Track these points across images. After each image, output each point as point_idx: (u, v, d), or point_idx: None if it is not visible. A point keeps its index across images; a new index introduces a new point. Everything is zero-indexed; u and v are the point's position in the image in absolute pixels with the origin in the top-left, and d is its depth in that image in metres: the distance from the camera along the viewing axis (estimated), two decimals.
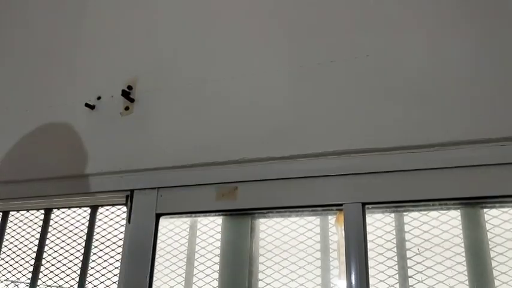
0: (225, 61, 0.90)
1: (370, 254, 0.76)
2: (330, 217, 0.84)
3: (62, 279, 0.99)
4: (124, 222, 0.94)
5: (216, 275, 0.88)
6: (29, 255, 1.05)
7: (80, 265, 0.98)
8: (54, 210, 1.06)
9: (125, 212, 0.96)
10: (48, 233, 1.04)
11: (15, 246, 1.07)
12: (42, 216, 1.06)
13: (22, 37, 1.14)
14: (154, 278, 0.87)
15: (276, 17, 0.88)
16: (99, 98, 0.97)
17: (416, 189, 0.73)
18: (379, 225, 0.80)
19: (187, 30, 0.96)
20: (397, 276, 0.77)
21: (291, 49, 0.85)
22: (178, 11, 0.98)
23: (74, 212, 1.07)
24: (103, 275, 0.96)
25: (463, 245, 0.75)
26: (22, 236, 1.07)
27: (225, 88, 0.88)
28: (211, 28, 0.93)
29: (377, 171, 0.75)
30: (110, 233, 0.99)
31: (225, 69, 0.89)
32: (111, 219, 0.99)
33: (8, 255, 1.06)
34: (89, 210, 1.04)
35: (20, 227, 1.08)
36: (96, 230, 0.99)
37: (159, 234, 0.90)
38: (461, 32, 0.75)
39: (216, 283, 0.88)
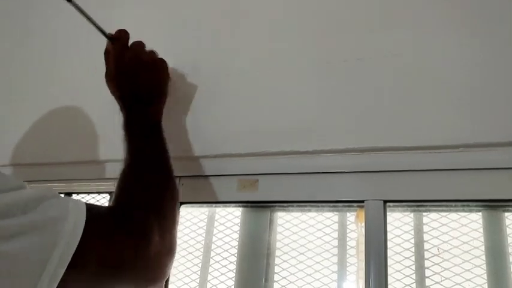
0: (251, 54, 0.90)
1: (388, 252, 0.76)
2: (348, 214, 0.85)
3: None
4: None
5: (233, 266, 0.89)
6: None
7: None
8: (74, 195, 1.07)
9: None
10: None
11: None
12: None
13: (52, 19, 1.16)
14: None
15: (304, 12, 0.89)
16: None
17: (439, 189, 0.73)
18: (398, 224, 0.81)
19: (215, 22, 0.97)
20: (414, 276, 0.77)
21: (318, 45, 0.85)
22: (206, 2, 0.99)
23: (93, 198, 1.08)
24: None
25: (483, 248, 0.75)
26: None
27: (250, 81, 0.89)
28: (238, 21, 0.94)
29: (400, 169, 0.75)
30: None
31: (251, 62, 0.90)
32: None
33: None
34: (107, 197, 1.06)
35: None
36: None
37: None
38: (492, 32, 0.75)
39: (232, 274, 0.88)
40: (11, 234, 0.46)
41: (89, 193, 1.07)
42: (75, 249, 0.50)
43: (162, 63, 0.84)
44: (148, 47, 0.85)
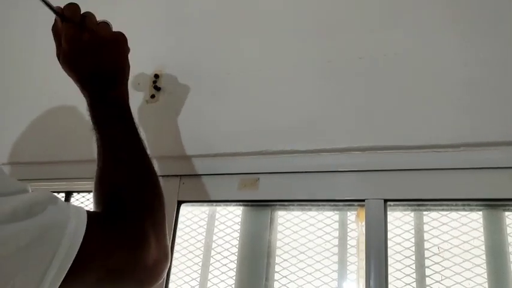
0: (252, 53, 0.91)
1: (388, 251, 0.76)
2: (349, 213, 0.85)
3: None
4: None
5: (234, 265, 0.89)
6: None
7: None
8: (75, 194, 1.07)
9: None
10: None
11: None
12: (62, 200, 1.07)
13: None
14: (172, 265, 0.88)
15: (305, 11, 0.89)
16: None
17: (439, 189, 0.73)
18: (398, 223, 0.81)
19: (215, 20, 0.97)
20: (414, 275, 0.77)
21: (319, 43, 0.86)
22: (207, 2, 0.99)
23: None
24: None
25: (483, 247, 0.75)
26: None
27: (251, 80, 0.89)
28: (239, 19, 0.94)
29: (401, 168, 0.75)
30: None
31: (252, 61, 0.90)
32: None
33: None
34: None
35: None
36: None
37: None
38: (492, 32, 0.75)
39: (232, 273, 0.88)
40: (16, 239, 0.46)
41: (89, 192, 1.07)
42: (75, 255, 0.49)
43: (120, 35, 0.75)
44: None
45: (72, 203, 0.58)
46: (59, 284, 0.49)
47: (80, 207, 0.55)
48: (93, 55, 0.71)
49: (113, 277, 0.56)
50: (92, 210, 0.61)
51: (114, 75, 0.73)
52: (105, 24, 0.73)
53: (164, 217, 0.66)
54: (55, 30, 0.73)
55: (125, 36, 0.75)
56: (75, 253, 0.49)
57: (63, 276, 0.49)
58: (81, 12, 0.70)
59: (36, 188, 0.53)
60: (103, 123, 0.70)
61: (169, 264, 0.64)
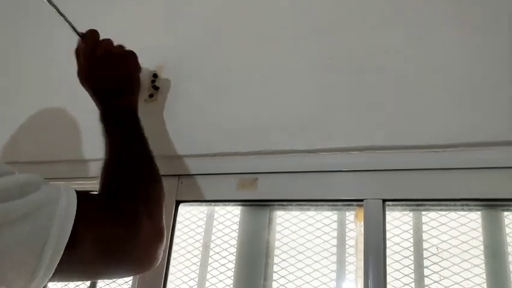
0: (252, 51, 0.90)
1: (387, 251, 0.76)
2: (347, 213, 0.85)
3: None
4: None
5: (232, 265, 0.89)
6: None
7: None
8: None
9: None
10: None
11: None
12: None
13: (48, 22, 1.16)
14: (170, 265, 0.88)
15: (306, 9, 0.89)
16: None
17: (438, 189, 0.73)
18: (397, 223, 0.81)
19: (213, 18, 0.97)
20: (413, 275, 0.77)
21: (319, 41, 0.85)
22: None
23: None
24: None
25: (482, 247, 0.75)
26: None
27: (251, 78, 0.89)
28: (239, 17, 0.94)
29: (399, 168, 0.75)
30: None
31: (252, 59, 0.90)
32: None
33: None
34: None
35: None
36: None
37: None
38: (493, 30, 0.75)
39: (231, 273, 0.88)
40: (10, 219, 0.48)
41: (89, 191, 1.07)
42: (69, 233, 0.51)
43: (131, 54, 0.86)
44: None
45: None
46: (59, 259, 0.50)
47: (71, 187, 0.57)
48: (105, 69, 0.81)
49: (107, 248, 0.58)
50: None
51: (124, 86, 0.83)
52: (119, 46, 0.85)
53: (160, 200, 0.70)
54: (77, 51, 0.84)
55: (135, 54, 0.86)
56: (71, 228, 0.52)
57: (62, 250, 0.51)
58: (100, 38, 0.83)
59: (26, 174, 0.54)
60: (112, 130, 0.77)
61: (163, 245, 0.65)
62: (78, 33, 0.82)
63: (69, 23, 0.81)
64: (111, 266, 0.60)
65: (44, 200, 0.52)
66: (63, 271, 0.52)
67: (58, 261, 0.51)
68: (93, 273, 0.62)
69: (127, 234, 0.60)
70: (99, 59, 0.81)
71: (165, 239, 0.66)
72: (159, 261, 0.65)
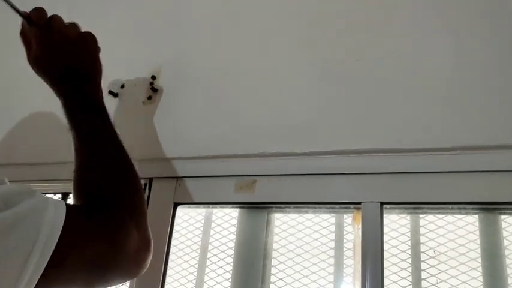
0: (250, 54, 0.91)
1: (384, 254, 0.76)
2: (345, 216, 0.85)
3: None
4: None
5: (230, 267, 0.89)
6: None
7: None
8: (71, 195, 1.07)
9: None
10: None
11: None
12: None
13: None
14: (168, 267, 0.88)
15: (303, 13, 0.89)
16: (122, 86, 0.98)
17: (436, 192, 0.73)
18: (395, 226, 0.81)
19: (212, 21, 0.97)
20: (410, 278, 0.77)
21: (316, 46, 0.86)
22: (204, 2, 0.99)
23: None
24: None
25: (479, 250, 0.75)
26: None
27: (249, 81, 0.89)
28: (236, 21, 0.95)
29: (397, 171, 0.75)
30: None
31: (249, 62, 0.90)
32: None
33: None
34: None
35: None
36: None
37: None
38: (490, 35, 0.75)
39: (228, 275, 0.88)
40: None
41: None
42: (56, 242, 0.50)
43: (89, 35, 0.77)
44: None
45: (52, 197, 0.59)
46: (41, 272, 0.49)
47: (59, 200, 0.55)
48: (63, 55, 0.73)
49: (95, 266, 0.56)
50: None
51: (85, 72, 0.74)
52: (73, 26, 0.75)
53: (144, 208, 0.68)
54: (23, 34, 0.75)
55: (94, 36, 0.77)
56: (56, 241, 0.50)
57: (45, 264, 0.49)
58: (48, 16, 0.72)
59: (15, 183, 0.53)
60: (77, 121, 0.71)
61: (151, 254, 0.64)
62: (21, 15, 0.71)
63: (10, 4, 0.69)
64: (100, 279, 0.59)
65: (29, 211, 0.50)
66: (49, 284, 0.51)
67: (38, 277, 0.49)
68: (82, 286, 0.59)
69: (116, 249, 0.58)
70: (55, 44, 0.72)
71: (152, 247, 0.65)
72: (146, 268, 0.64)
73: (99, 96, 0.75)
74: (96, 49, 0.77)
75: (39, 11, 0.72)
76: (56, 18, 0.73)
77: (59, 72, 0.73)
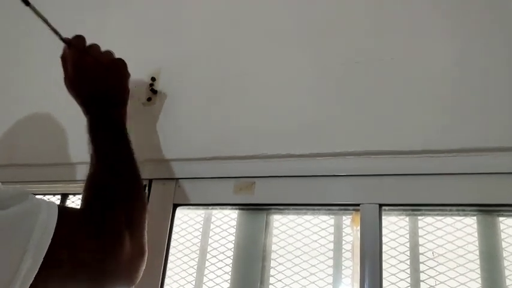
0: (250, 56, 0.91)
1: (383, 255, 0.77)
2: (344, 217, 0.85)
3: None
4: None
5: (229, 269, 0.89)
6: None
7: None
8: (71, 196, 1.07)
9: None
10: None
11: None
12: (58, 202, 1.07)
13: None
14: (167, 268, 0.88)
15: (302, 16, 0.89)
16: None
17: (434, 194, 0.74)
18: (393, 228, 0.81)
19: (212, 23, 0.97)
20: (409, 280, 0.77)
21: (315, 48, 0.86)
22: (203, 4, 0.99)
23: None
24: None
25: (477, 252, 0.75)
26: None
27: (248, 83, 0.89)
28: (236, 23, 0.95)
29: (396, 173, 0.76)
30: None
31: (249, 64, 0.90)
32: None
33: None
34: None
35: None
36: None
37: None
38: (488, 37, 0.75)
39: (228, 276, 0.88)
40: None
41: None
42: (48, 244, 0.50)
43: (121, 61, 0.83)
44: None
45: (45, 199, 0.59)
46: (34, 274, 0.49)
47: (52, 202, 0.56)
48: (95, 78, 0.79)
49: (87, 270, 0.57)
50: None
51: (113, 97, 0.80)
52: (108, 52, 0.82)
53: (143, 218, 0.69)
54: (63, 58, 0.82)
55: (125, 62, 0.83)
56: (49, 243, 0.50)
57: (38, 266, 0.49)
58: (87, 44, 0.79)
59: (10, 186, 0.53)
60: (98, 140, 0.75)
61: (145, 262, 0.65)
62: (63, 40, 0.79)
63: (53, 29, 0.76)
64: (93, 284, 0.59)
65: (23, 213, 0.50)
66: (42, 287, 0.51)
67: (32, 280, 0.49)
68: None
69: (107, 256, 0.59)
70: (88, 68, 0.78)
71: (146, 256, 0.65)
72: (140, 277, 0.64)
73: (122, 119, 0.80)
74: (127, 75, 0.84)
75: (79, 37, 0.80)
76: (93, 45, 0.80)
77: (89, 93, 0.79)
